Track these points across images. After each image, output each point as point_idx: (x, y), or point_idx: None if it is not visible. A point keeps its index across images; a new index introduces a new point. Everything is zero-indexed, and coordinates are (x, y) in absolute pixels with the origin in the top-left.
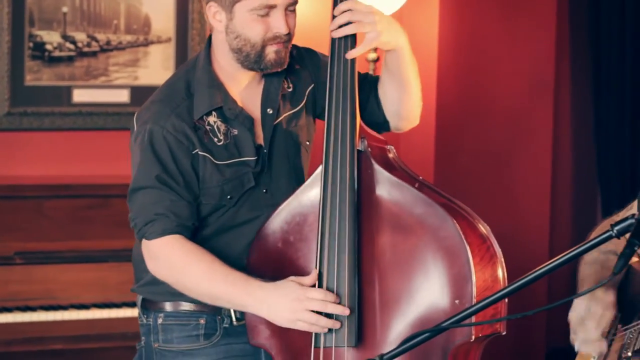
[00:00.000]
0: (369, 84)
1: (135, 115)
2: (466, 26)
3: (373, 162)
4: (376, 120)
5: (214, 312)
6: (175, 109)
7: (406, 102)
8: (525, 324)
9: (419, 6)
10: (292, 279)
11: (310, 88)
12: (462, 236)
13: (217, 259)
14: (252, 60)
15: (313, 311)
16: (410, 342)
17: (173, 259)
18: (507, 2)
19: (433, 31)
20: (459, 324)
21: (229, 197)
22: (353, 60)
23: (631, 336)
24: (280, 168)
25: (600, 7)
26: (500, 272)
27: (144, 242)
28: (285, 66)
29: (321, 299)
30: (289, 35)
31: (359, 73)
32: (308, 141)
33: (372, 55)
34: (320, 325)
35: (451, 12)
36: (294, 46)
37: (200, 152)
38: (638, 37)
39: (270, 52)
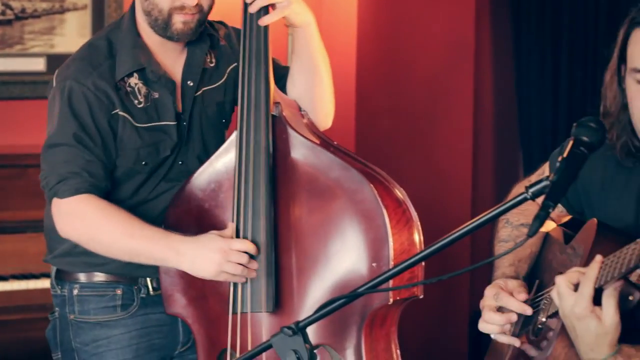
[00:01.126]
0: (281, 76)
1: (56, 72)
2: None
3: (288, 126)
4: None
5: (131, 283)
6: (97, 67)
7: (317, 89)
8: (449, 288)
9: None
10: (213, 232)
11: (232, 66)
12: (379, 199)
13: (133, 215)
14: (159, 26)
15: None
16: (326, 309)
17: (88, 216)
18: None
19: None
20: (375, 290)
21: (143, 162)
22: (266, 28)
23: (546, 302)
24: (196, 142)
25: None
26: (417, 236)
27: (55, 201)
28: (194, 37)
29: (244, 249)
30: (199, 7)
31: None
32: (225, 120)
33: None
34: (244, 275)
35: None
36: (225, 25)
37: (120, 113)
38: None
39: (178, 21)
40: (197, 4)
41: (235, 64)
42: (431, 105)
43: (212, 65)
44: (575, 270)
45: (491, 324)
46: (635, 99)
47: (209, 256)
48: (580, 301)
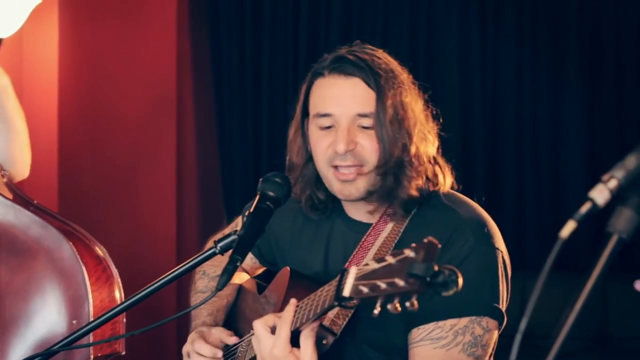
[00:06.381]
0: None
1: None
2: (87, 46)
3: None
4: None
5: None
6: None
7: (15, 145)
8: (156, 342)
9: (38, 28)
10: None
11: None
12: (78, 257)
13: None
14: None
15: None
16: None
17: None
18: (127, 19)
19: (53, 52)
20: (69, 347)
21: None
22: None
23: (242, 349)
24: None
25: (220, 25)
26: (117, 292)
27: None
28: None
29: None
30: None
31: None
32: None
33: None
34: None
35: (71, 32)
36: None
37: None
38: (257, 47)
39: None
40: None
41: None
42: (135, 161)
43: None
44: (272, 314)
45: None
46: (318, 142)
47: None
48: (278, 343)
